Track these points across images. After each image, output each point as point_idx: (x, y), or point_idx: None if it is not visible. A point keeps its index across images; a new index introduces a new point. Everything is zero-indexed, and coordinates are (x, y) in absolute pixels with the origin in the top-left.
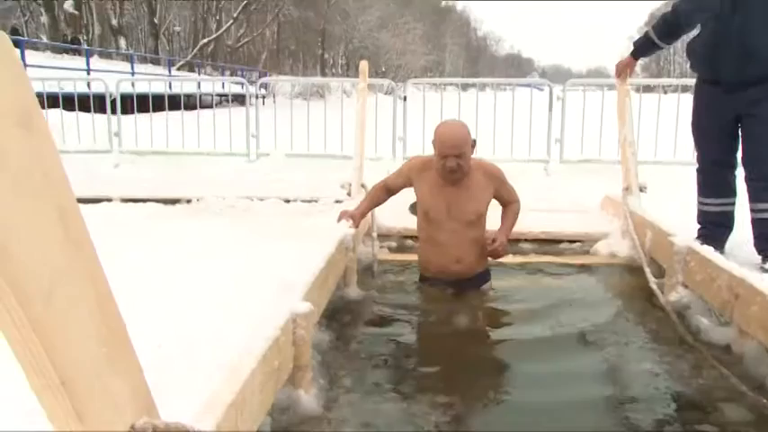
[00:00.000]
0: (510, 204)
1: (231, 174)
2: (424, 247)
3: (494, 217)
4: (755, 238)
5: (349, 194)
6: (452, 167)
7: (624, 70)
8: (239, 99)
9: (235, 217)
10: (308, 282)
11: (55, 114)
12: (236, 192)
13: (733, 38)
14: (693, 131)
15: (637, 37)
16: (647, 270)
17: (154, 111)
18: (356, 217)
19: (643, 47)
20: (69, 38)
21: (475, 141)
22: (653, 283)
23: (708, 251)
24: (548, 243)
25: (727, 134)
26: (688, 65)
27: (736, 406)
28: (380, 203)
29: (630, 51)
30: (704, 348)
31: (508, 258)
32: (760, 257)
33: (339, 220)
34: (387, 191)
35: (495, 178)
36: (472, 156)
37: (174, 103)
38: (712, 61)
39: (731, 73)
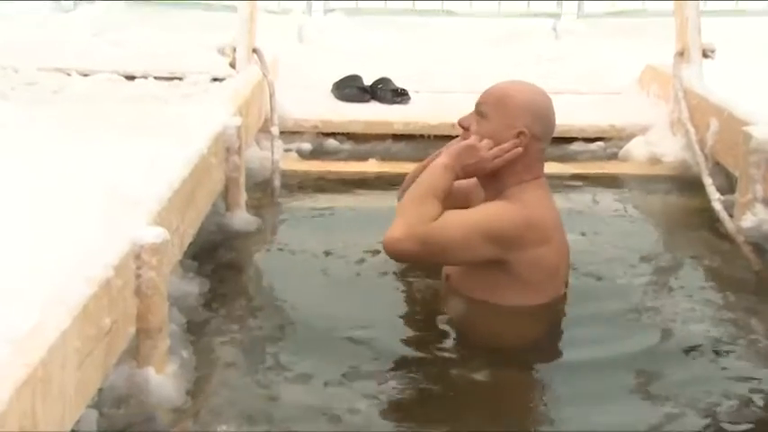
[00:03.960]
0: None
1: (32, 32)
2: None
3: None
4: None
5: (233, 66)
6: (460, 123)
7: None
8: None
9: (39, 103)
10: (160, 197)
11: None
12: (40, 61)
13: None
14: None
15: None
16: (709, 181)
17: None
18: None
19: None
20: None
21: (526, 135)
22: (717, 200)
23: None
24: (552, 142)
25: None
26: None
27: None
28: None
29: None
30: None
31: None
32: None
33: None
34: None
35: None
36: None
37: None
38: None
39: None
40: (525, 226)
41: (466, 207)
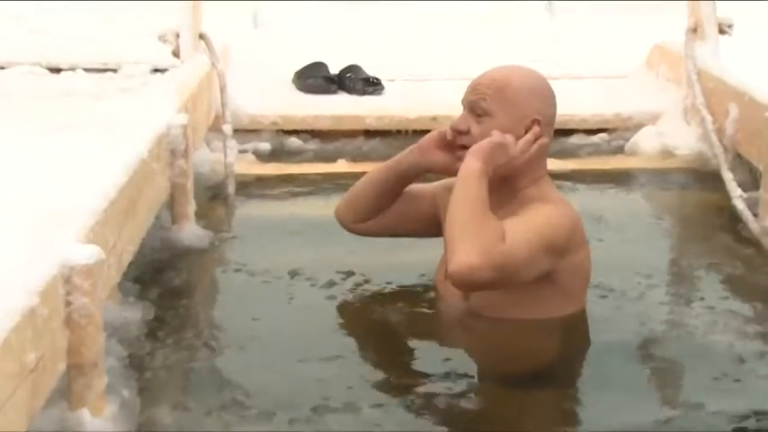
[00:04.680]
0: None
1: None
2: None
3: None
4: None
5: (176, 55)
6: (455, 129)
7: None
8: None
9: None
10: (93, 209)
11: None
12: None
13: None
14: None
15: None
16: (729, 176)
17: None
18: None
19: None
20: None
21: (541, 123)
22: (739, 198)
23: None
24: None
25: None
26: None
27: None
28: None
29: None
30: None
31: None
32: None
33: None
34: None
35: None
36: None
37: None
38: None
39: None
40: (573, 229)
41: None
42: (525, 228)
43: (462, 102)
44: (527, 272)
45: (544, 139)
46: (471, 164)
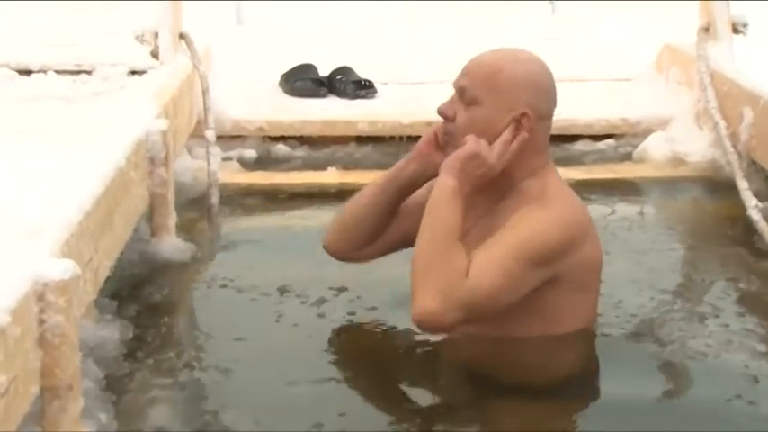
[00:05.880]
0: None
1: None
2: None
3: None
4: None
5: (155, 56)
6: (441, 113)
7: None
8: None
9: None
10: (68, 222)
11: None
12: None
13: None
14: None
15: None
16: (744, 185)
17: None
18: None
19: None
20: None
21: (530, 117)
22: (754, 208)
23: None
24: (550, 141)
25: None
26: None
27: None
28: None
29: None
30: None
31: None
32: None
33: None
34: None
35: None
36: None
37: None
38: None
39: None
40: (568, 233)
41: None
42: (505, 249)
43: (453, 84)
44: (510, 295)
45: (524, 136)
46: (444, 182)
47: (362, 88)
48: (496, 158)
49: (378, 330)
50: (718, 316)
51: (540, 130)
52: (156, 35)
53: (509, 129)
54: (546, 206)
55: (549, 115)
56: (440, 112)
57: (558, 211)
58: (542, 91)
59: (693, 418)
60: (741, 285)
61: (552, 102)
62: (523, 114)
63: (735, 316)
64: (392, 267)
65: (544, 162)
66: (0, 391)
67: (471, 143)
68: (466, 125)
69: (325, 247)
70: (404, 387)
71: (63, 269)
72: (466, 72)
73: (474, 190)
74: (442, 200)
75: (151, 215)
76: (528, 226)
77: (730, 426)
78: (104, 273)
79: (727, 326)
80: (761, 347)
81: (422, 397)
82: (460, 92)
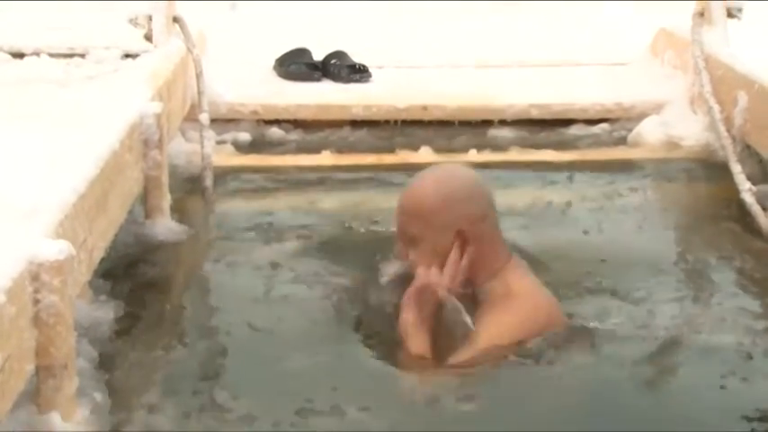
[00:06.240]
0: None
1: None
2: None
3: None
4: None
5: (149, 39)
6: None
7: None
8: None
9: None
10: (63, 203)
11: None
12: None
13: None
14: None
15: None
16: (738, 168)
17: None
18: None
19: None
20: None
21: (465, 233)
22: (748, 191)
23: None
24: (546, 125)
25: None
26: None
27: None
28: None
29: None
30: None
31: (471, 156)
32: None
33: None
34: None
35: None
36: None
37: None
38: None
39: None
40: (537, 325)
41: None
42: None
43: (397, 225)
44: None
45: (470, 249)
46: (403, 319)
47: (357, 72)
48: (449, 281)
49: (368, 307)
50: (711, 295)
51: (486, 229)
52: (150, 18)
53: (455, 248)
54: (510, 308)
55: (487, 213)
56: (396, 257)
57: (524, 310)
58: (469, 198)
59: (687, 395)
60: (734, 266)
61: (483, 198)
62: (459, 231)
63: (728, 294)
64: (385, 250)
65: (503, 263)
66: None
67: (421, 277)
68: (419, 260)
69: None
70: (392, 363)
71: (58, 250)
72: (396, 216)
73: (434, 312)
74: (406, 335)
75: (145, 197)
76: (494, 331)
77: (724, 402)
78: (99, 254)
79: (720, 304)
80: (754, 325)
81: (410, 371)
82: (401, 236)
